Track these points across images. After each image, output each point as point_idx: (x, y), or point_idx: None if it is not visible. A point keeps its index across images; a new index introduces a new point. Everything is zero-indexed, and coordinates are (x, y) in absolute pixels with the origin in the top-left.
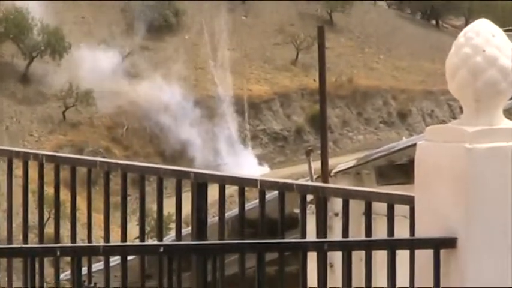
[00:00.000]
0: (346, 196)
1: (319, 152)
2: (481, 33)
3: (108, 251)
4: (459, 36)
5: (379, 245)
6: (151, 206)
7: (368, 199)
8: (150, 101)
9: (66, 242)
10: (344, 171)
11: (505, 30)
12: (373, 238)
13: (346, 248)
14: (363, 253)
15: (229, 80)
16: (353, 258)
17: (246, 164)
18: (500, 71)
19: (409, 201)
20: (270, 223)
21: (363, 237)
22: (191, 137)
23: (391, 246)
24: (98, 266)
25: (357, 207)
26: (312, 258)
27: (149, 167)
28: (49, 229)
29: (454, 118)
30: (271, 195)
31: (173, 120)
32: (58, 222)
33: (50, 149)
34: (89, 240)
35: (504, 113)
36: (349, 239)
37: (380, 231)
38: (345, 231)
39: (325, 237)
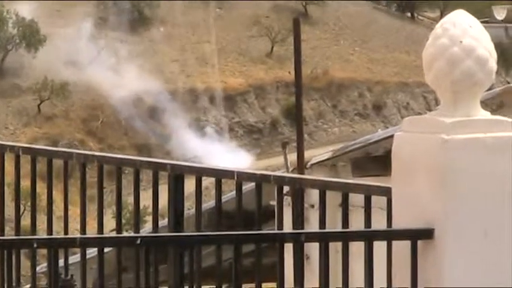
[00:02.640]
0: (324, 187)
1: (294, 144)
2: (458, 24)
3: (85, 243)
4: (436, 27)
5: (357, 236)
6: (127, 198)
7: (345, 190)
8: (125, 94)
9: (42, 235)
10: (320, 163)
11: (481, 22)
12: (350, 229)
13: (324, 239)
14: (339, 245)
15: (204, 72)
16: (330, 250)
17: (222, 155)
18: (478, 62)
19: (386, 192)
20: (247, 215)
21: (340, 229)
22: (166, 129)
23: (369, 237)
24: (74, 258)
25: (333, 199)
26: (288, 250)
27: (126, 159)
28: (25, 222)
29: (430, 110)
30: (247, 187)
31: (148, 113)
32: (34, 215)
33: (25, 142)
34: (66, 233)
35: (481, 104)
36: (327, 230)
37: (356, 223)
38: (322, 223)
39: (302, 228)
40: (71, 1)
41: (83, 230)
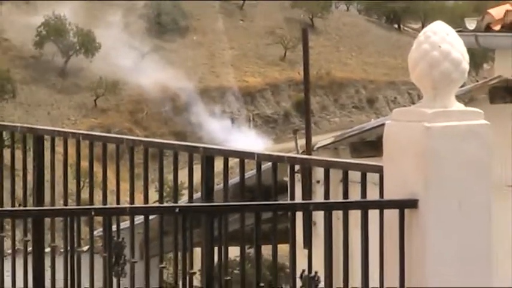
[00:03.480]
0: (328, 166)
1: (303, 131)
2: (437, 32)
3: (133, 212)
4: (419, 35)
5: (354, 205)
6: (167, 176)
7: (345, 168)
8: (165, 91)
9: (98, 206)
10: (324, 147)
11: (456, 31)
12: (349, 200)
13: (328, 208)
14: (340, 213)
15: (229, 73)
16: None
17: (244, 140)
18: (453, 63)
19: (379, 170)
20: (265, 189)
21: (341, 200)
22: (198, 119)
23: (364, 206)
24: (124, 224)
25: (335, 175)
26: (298, 217)
27: (166, 143)
28: (84, 195)
29: (413, 103)
30: (265, 166)
31: (183, 106)
32: (92, 190)
33: (84, 130)
34: (117, 204)
35: (456, 98)
36: (330, 201)
37: (354, 196)
38: (326, 195)
39: (310, 199)
40: (121, 13)
41: (132, 201)
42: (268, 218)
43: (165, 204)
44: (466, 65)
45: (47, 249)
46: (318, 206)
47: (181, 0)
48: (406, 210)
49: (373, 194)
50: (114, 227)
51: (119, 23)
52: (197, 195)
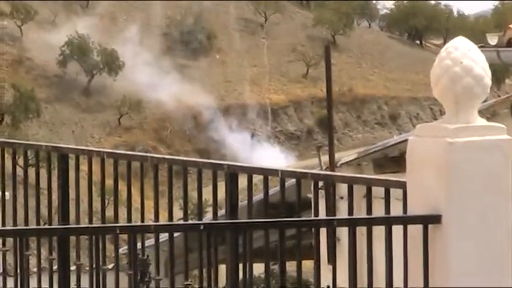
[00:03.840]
0: (351, 182)
1: (326, 148)
2: (459, 48)
3: (158, 229)
4: (441, 51)
5: (378, 221)
6: (191, 193)
7: (369, 184)
8: (189, 109)
9: (123, 223)
10: (347, 163)
11: (478, 46)
12: (373, 216)
13: (352, 224)
14: (364, 229)
15: (252, 90)
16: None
17: (267, 157)
18: (475, 79)
19: (402, 185)
20: (289, 205)
21: (365, 215)
22: (222, 136)
23: (388, 222)
24: (149, 242)
25: (358, 191)
26: (322, 233)
27: (190, 161)
28: (109, 213)
29: (435, 119)
30: (289, 182)
31: (207, 123)
32: (116, 207)
33: (109, 148)
34: (142, 221)
35: (478, 113)
36: (354, 216)
37: (378, 211)
38: (350, 211)
39: (334, 215)
40: (144, 32)
41: (156, 218)
42: (292, 234)
43: (190, 222)
44: (488, 80)
45: (73, 268)
46: (342, 222)
47: (203, 14)
48: (430, 226)
49: (396, 210)
50: (139, 245)
51: (141, 41)
52: (221, 212)
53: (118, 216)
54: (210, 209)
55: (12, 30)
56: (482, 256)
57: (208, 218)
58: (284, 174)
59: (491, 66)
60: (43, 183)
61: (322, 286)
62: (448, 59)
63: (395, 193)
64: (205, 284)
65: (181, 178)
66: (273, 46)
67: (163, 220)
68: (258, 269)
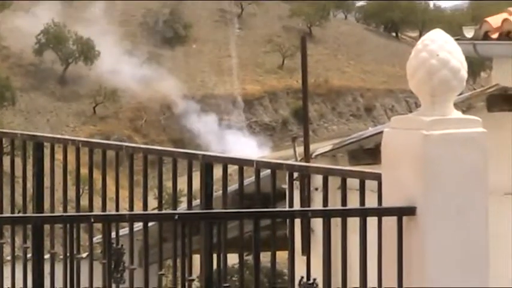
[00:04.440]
0: (326, 173)
1: (301, 139)
2: (435, 40)
3: (132, 218)
4: (418, 43)
5: (353, 213)
6: (166, 183)
7: (344, 176)
8: (164, 98)
9: (98, 212)
10: (322, 154)
11: (454, 39)
12: (348, 207)
13: (326, 215)
14: (339, 220)
15: (228, 81)
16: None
17: (242, 148)
18: (452, 71)
19: (377, 177)
20: (264, 196)
21: (339, 207)
22: (197, 127)
23: (363, 214)
24: (123, 231)
25: (333, 183)
26: (297, 224)
27: (165, 150)
28: (83, 202)
29: (410, 112)
30: (264, 173)
31: (182, 113)
32: (91, 196)
33: (84, 137)
34: (117, 211)
35: (454, 106)
36: (329, 208)
37: (352, 203)
38: (325, 202)
39: (309, 207)
40: (119, 21)
41: (131, 208)
42: (267, 225)
43: (164, 211)
44: (464, 73)
45: (47, 256)
46: (317, 213)
47: (180, 5)
48: (405, 218)
49: (371, 201)
50: (113, 234)
51: (117, 31)
52: (196, 202)
53: (93, 205)
54: (184, 199)
55: None
56: (458, 248)
57: (183, 207)
58: (259, 165)
59: (467, 59)
60: (18, 172)
61: (296, 277)
62: (424, 51)
63: (370, 185)
64: (179, 273)
65: (157, 168)
66: (249, 37)
67: (138, 209)
68: (232, 259)
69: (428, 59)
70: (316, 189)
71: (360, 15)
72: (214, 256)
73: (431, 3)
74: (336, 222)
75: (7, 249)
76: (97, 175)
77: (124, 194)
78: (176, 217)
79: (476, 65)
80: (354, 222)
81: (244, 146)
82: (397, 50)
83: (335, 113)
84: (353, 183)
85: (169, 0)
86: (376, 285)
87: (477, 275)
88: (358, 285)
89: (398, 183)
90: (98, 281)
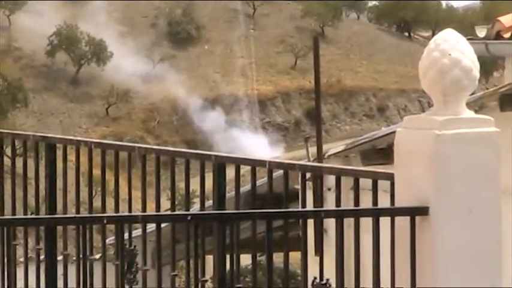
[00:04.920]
0: (339, 174)
1: (314, 139)
2: (447, 40)
3: (145, 220)
4: (430, 43)
5: (366, 213)
6: (179, 183)
7: (356, 176)
8: (177, 99)
9: (110, 213)
10: (335, 155)
11: (467, 39)
12: (360, 207)
13: (339, 215)
14: (352, 220)
15: (241, 81)
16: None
17: (255, 148)
18: (463, 71)
19: (390, 177)
20: (276, 196)
21: (352, 207)
22: (210, 127)
23: (376, 214)
24: (136, 232)
25: (346, 183)
26: (310, 225)
27: (178, 151)
28: (96, 203)
29: (423, 111)
30: (277, 174)
31: (195, 114)
32: (104, 198)
33: (96, 138)
34: (129, 212)
35: (466, 105)
36: (341, 208)
37: (365, 203)
38: (338, 202)
39: (321, 207)
40: (133, 23)
41: (144, 209)
42: (279, 225)
43: (177, 212)
44: (476, 72)
45: (60, 257)
46: (329, 214)
47: (192, 6)
48: (417, 217)
49: (384, 201)
50: (126, 235)
51: (130, 32)
52: (209, 203)
53: (105, 207)
54: (197, 200)
55: (0, 19)
56: (471, 247)
57: (195, 208)
58: (271, 165)
59: (479, 58)
60: (30, 173)
61: (309, 277)
62: (436, 50)
63: (383, 185)
64: (192, 274)
65: (169, 169)
66: (262, 37)
67: (150, 211)
68: (245, 260)
69: (440, 59)
70: (329, 189)
71: (372, 15)
72: (227, 257)
73: (443, 3)
74: (348, 223)
75: (20, 251)
76: (110, 176)
77: (137, 195)
78: (189, 218)
79: (489, 65)
80: (366, 223)
81: (257, 146)
82: (409, 50)
83: (348, 113)
84: (366, 183)
85: (182, 0)
86: (389, 286)
87: (490, 275)
88: (371, 286)
89: (410, 183)
90: (111, 282)
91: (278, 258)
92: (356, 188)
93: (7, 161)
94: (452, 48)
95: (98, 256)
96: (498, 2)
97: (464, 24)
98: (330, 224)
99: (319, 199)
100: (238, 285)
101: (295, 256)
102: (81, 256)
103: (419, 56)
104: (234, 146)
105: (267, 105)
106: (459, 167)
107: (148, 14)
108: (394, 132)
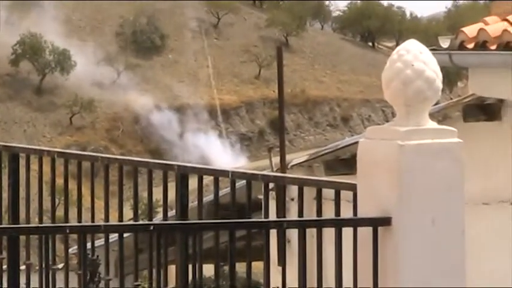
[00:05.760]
0: (302, 184)
1: (278, 149)
2: (410, 50)
3: (108, 229)
4: (393, 53)
5: (329, 223)
6: (142, 193)
7: (319, 186)
8: (141, 108)
9: (73, 223)
10: (299, 165)
11: (430, 49)
12: (323, 218)
13: (302, 226)
14: (314, 231)
15: (205, 91)
16: (306, 235)
17: (219, 158)
18: (426, 82)
19: (353, 188)
20: (239, 206)
21: (315, 217)
22: (174, 137)
23: (338, 224)
24: (99, 242)
25: (309, 193)
26: (272, 235)
27: (141, 161)
28: (59, 213)
29: (387, 121)
30: (240, 184)
31: (159, 124)
32: (67, 207)
33: (60, 148)
34: (92, 221)
35: (429, 116)
36: (304, 218)
37: (327, 213)
38: (300, 213)
39: (284, 217)
40: (97, 31)
41: (106, 219)
42: (242, 235)
43: (140, 222)
44: (439, 83)
45: (22, 267)
46: (292, 224)
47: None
48: (380, 228)
49: (347, 211)
50: (89, 245)
51: (93, 41)
52: (172, 212)
53: (68, 216)
54: (161, 210)
55: None
56: (433, 259)
57: (158, 218)
58: (234, 176)
59: (443, 69)
60: None
61: (271, 287)
62: (399, 61)
63: (347, 195)
64: (154, 284)
65: (132, 178)
66: (226, 47)
67: (113, 220)
68: (208, 269)
69: (403, 70)
70: (292, 199)
71: (336, 25)
72: (190, 267)
73: (407, 12)
74: (312, 233)
75: None
76: (73, 186)
77: (100, 204)
78: (151, 228)
79: (453, 75)
80: (330, 233)
81: (221, 156)
82: (373, 60)
83: (312, 123)
84: (329, 193)
85: (150, 1)
86: None
87: (453, 285)
88: None
89: (373, 194)
90: None
91: (241, 268)
92: (318, 199)
93: None
94: (415, 59)
95: (60, 266)
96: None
97: (428, 34)
98: (294, 234)
99: (282, 209)
100: None
101: (258, 266)
102: (44, 266)
103: (383, 66)
104: (198, 155)
105: (230, 114)
106: (422, 178)
107: (112, 23)
108: (357, 142)
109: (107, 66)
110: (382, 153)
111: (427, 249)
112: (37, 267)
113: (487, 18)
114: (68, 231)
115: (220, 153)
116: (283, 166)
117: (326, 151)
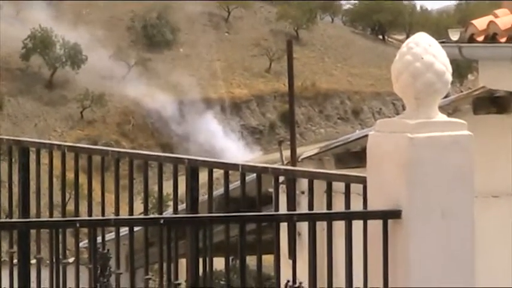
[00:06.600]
0: (312, 177)
1: (288, 142)
2: (420, 43)
3: (118, 223)
4: (402, 46)
5: (338, 216)
6: (153, 187)
7: (329, 179)
8: (152, 102)
9: (83, 217)
10: (309, 158)
11: (439, 42)
12: (333, 211)
13: (312, 219)
14: (325, 224)
15: (216, 84)
16: (317, 228)
17: (230, 151)
18: (436, 74)
19: (362, 181)
20: (249, 200)
21: (325, 210)
22: (185, 131)
23: (348, 217)
24: (109, 236)
25: (319, 186)
26: (283, 228)
27: (151, 155)
28: (69, 207)
29: (398, 114)
30: (250, 177)
31: (170, 117)
32: (77, 201)
33: (71, 142)
34: (102, 215)
35: (439, 109)
36: (314, 211)
37: (338, 206)
38: (311, 206)
39: (295, 210)
40: (108, 26)
41: (117, 212)
42: (253, 229)
43: (150, 216)
44: (449, 75)
45: (33, 261)
46: (302, 217)
47: (167, 9)
48: (390, 221)
49: (357, 204)
50: (99, 239)
51: (105, 35)
52: (182, 206)
53: (79, 210)
54: (171, 203)
55: None
56: (443, 251)
57: (169, 212)
58: (244, 169)
59: (453, 61)
60: (4, 177)
61: (282, 280)
62: (408, 54)
63: (357, 188)
64: (165, 278)
65: (143, 172)
66: (237, 40)
67: (124, 214)
68: (219, 263)
69: (412, 62)
70: (303, 192)
71: (346, 18)
72: (201, 260)
73: (418, 5)
74: (322, 226)
75: None
76: (83, 180)
77: (110, 198)
78: (162, 221)
79: (464, 68)
80: (340, 226)
81: (232, 149)
82: (383, 53)
83: (322, 116)
84: (339, 186)
85: (158, 0)
86: None
87: (462, 278)
88: None
89: (383, 187)
90: (84, 285)
91: (252, 261)
92: (329, 192)
93: None
94: (424, 52)
95: (71, 260)
96: (472, 4)
97: (439, 27)
98: (304, 227)
99: (292, 202)
100: None
101: (268, 259)
102: (54, 260)
103: (393, 59)
104: (209, 149)
105: (241, 108)
106: (432, 171)
107: (123, 17)
108: (367, 135)
109: (118, 61)
110: (392, 146)
111: (437, 241)
112: (47, 261)
113: (497, 11)
114: (78, 225)
115: (232, 146)
116: (293, 159)
117: (336, 144)
